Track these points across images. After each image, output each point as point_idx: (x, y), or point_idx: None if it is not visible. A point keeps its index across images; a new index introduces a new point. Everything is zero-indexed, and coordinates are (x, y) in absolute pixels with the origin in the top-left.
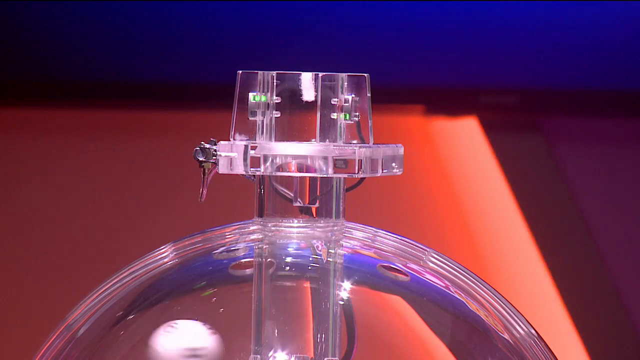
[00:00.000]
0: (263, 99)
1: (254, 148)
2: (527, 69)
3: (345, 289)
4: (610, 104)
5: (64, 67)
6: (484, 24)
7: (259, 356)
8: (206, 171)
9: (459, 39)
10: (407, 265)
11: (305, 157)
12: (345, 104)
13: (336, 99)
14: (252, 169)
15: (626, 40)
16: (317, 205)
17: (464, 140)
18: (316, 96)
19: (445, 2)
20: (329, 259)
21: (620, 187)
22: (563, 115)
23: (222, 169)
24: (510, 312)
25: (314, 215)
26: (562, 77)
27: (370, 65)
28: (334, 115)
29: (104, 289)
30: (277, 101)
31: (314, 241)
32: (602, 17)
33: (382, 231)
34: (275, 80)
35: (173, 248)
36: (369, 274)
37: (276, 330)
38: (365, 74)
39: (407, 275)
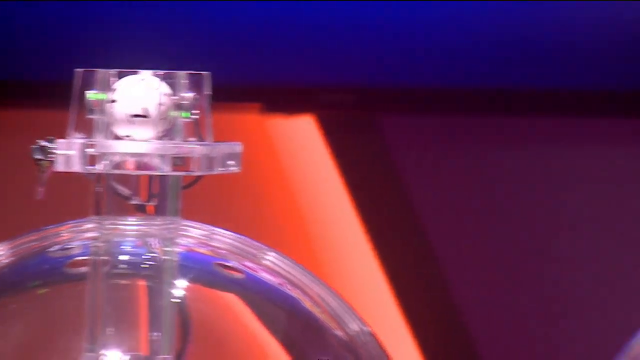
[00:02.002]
0: (101, 97)
1: (91, 146)
2: (364, 67)
3: (180, 287)
4: (448, 101)
5: None
6: (321, 22)
7: (93, 354)
8: (43, 169)
9: (296, 37)
10: (243, 263)
11: (143, 155)
12: (185, 102)
13: (175, 97)
14: (89, 167)
15: (466, 39)
16: (154, 203)
17: (301, 139)
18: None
19: (284, 1)
20: (164, 257)
21: (454, 185)
22: (401, 114)
23: (60, 166)
24: (344, 309)
25: (151, 213)
26: (399, 76)
27: (209, 62)
28: (172, 113)
29: None
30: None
31: (150, 239)
32: (440, 16)
33: (218, 229)
34: (114, 78)
35: (8, 246)
36: (204, 271)
37: (111, 329)
38: (205, 72)
39: (242, 273)
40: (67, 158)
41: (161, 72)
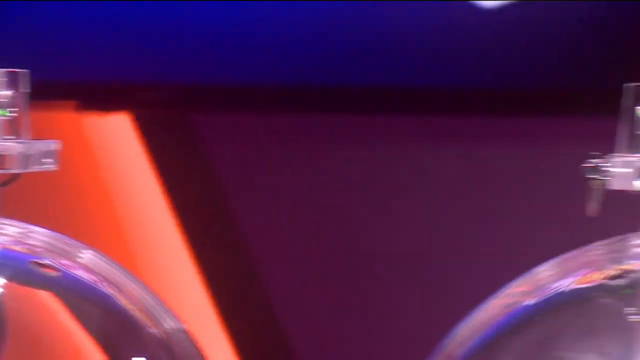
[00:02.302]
0: None
1: None
2: (179, 65)
3: None
4: (263, 99)
5: None
6: (134, 20)
7: None
8: None
9: (111, 35)
10: (58, 260)
11: None
12: (2, 100)
13: None
14: None
15: (277, 37)
16: None
17: (117, 137)
18: None
19: (101, 1)
20: None
21: (270, 183)
22: (215, 112)
23: None
24: (159, 307)
25: None
26: (214, 73)
27: (26, 60)
28: None
29: None
30: None
31: None
32: (254, 14)
33: (34, 227)
34: None
35: None
36: (20, 269)
37: None
38: (23, 70)
39: (58, 271)
40: None
41: None
